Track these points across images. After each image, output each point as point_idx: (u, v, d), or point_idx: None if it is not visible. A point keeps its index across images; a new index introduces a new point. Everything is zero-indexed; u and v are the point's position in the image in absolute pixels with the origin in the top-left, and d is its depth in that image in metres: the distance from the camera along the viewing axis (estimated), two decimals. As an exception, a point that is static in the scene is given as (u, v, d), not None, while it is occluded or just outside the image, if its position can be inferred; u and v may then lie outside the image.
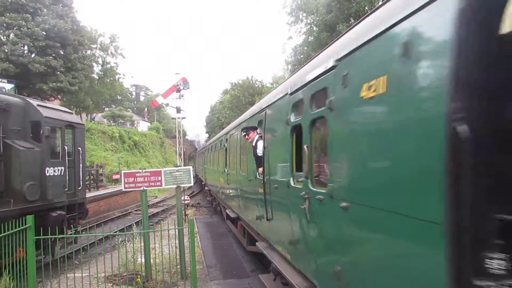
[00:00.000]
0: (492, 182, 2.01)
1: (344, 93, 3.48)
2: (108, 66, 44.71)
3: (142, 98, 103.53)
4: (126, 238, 9.94)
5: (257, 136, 7.61)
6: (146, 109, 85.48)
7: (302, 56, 29.52)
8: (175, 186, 9.25)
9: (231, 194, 12.15)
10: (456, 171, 2.03)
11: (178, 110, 20.32)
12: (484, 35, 2.03)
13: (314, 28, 27.47)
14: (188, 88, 21.47)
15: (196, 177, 40.08)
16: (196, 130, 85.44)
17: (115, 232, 8.54)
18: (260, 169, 6.93)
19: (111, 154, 36.20)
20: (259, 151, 7.26)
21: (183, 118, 21.48)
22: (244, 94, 56.02)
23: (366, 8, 21.51)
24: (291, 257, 5.39)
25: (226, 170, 12.84)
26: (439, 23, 2.20)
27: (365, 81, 3.03)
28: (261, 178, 6.74)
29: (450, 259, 2.05)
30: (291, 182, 5.05)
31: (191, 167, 9.86)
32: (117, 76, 48.04)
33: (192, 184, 9.84)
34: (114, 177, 25.62)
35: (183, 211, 14.48)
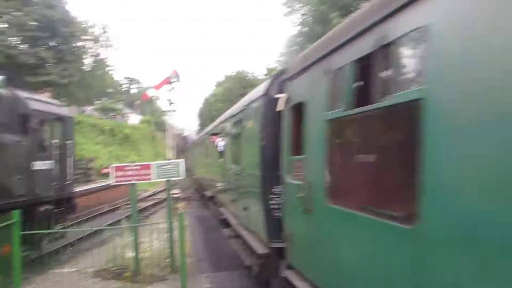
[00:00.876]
0: (272, 165, 5.91)
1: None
2: (99, 58, 44.11)
3: (133, 91, 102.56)
4: (115, 233, 9.86)
5: (219, 138, 12.28)
6: (138, 102, 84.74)
7: (296, 48, 29.39)
8: (166, 179, 9.17)
9: (209, 179, 16.30)
10: (264, 163, 6.20)
11: (170, 102, 20.27)
12: (273, 110, 5.81)
13: (310, 19, 27.34)
14: (179, 80, 21.37)
15: (188, 171, 39.93)
16: (188, 125, 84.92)
17: (104, 226, 8.47)
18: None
19: (102, 148, 35.88)
20: (220, 148, 11.99)
21: (173, 111, 21.45)
22: (236, 87, 55.86)
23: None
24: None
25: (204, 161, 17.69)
26: (259, 106, 6.68)
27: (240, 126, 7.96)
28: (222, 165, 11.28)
29: (262, 184, 6.20)
30: (233, 166, 9.23)
31: (182, 160, 9.75)
32: (107, 69, 47.50)
33: (183, 177, 9.75)
34: (104, 171, 25.39)
35: (174, 205, 14.43)
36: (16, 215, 6.73)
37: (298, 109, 4.90)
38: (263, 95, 6.47)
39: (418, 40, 2.59)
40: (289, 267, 5.19)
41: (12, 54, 30.95)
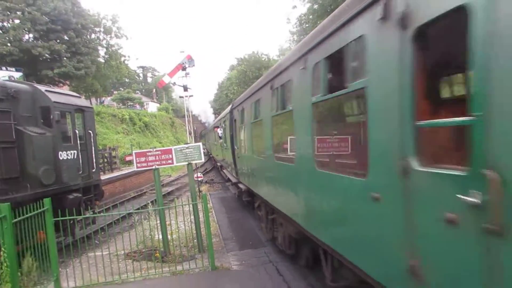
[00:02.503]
0: (233, 143, 14.73)
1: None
2: (113, 49, 44.47)
3: (149, 80, 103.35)
4: (143, 216, 10.14)
5: (219, 129, 20.13)
6: (154, 90, 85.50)
7: (307, 25, 28.83)
8: (187, 163, 9.32)
9: (216, 155, 27.82)
10: (231, 142, 14.72)
11: (185, 88, 20.31)
12: (232, 120, 14.21)
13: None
14: (194, 65, 21.36)
15: (208, 154, 40.39)
16: (204, 109, 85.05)
17: (131, 211, 8.71)
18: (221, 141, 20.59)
19: (123, 137, 36.53)
20: (219, 134, 20.57)
21: (190, 96, 21.52)
22: (250, 69, 55.56)
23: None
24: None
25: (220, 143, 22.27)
26: (227, 117, 16.06)
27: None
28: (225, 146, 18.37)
29: (232, 151, 14.64)
30: (224, 144, 18.53)
31: (200, 143, 9.88)
32: (122, 59, 47.87)
33: (203, 160, 9.90)
34: (127, 158, 25.89)
35: (197, 188, 14.70)
36: (48, 202, 7.00)
37: (235, 122, 13.61)
38: (229, 112, 15.27)
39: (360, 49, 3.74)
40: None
41: (26, 47, 31.50)
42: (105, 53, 43.85)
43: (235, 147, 13.78)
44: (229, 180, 17.52)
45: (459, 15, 2.36)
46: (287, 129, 6.39)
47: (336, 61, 4.30)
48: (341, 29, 4.03)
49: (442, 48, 3.13)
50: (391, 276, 3.39)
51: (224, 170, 20.96)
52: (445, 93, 4.49)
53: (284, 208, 6.91)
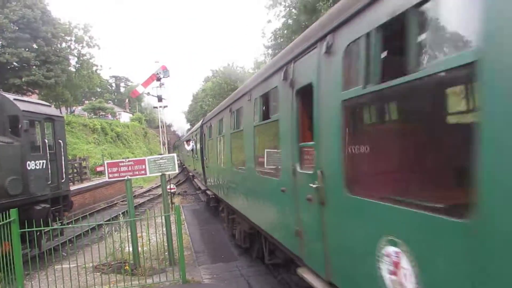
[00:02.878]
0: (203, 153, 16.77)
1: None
2: (85, 58, 43.72)
3: (122, 90, 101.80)
4: (113, 228, 9.95)
5: (191, 141, 22.30)
6: (127, 100, 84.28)
7: (282, 40, 29.36)
8: (160, 174, 9.28)
9: (188, 166, 30.25)
10: (201, 153, 17.00)
11: (160, 98, 20.14)
12: (203, 134, 16.00)
13: (294, 10, 27.31)
14: (168, 76, 21.20)
15: (181, 165, 40.00)
16: (178, 121, 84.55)
17: (101, 222, 8.56)
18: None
19: (94, 147, 35.75)
20: (189, 147, 22.77)
21: (165, 106, 21.33)
22: (226, 81, 55.72)
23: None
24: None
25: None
26: (198, 131, 18.44)
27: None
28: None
29: (201, 159, 16.77)
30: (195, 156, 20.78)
31: (175, 154, 9.87)
32: (94, 68, 47.12)
33: (177, 171, 9.89)
34: (98, 169, 25.34)
35: (170, 200, 14.55)
36: (14, 213, 6.81)
37: (204, 136, 15.67)
38: (199, 127, 17.30)
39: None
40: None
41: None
42: (77, 62, 43.07)
43: (204, 158, 15.80)
44: (200, 188, 19.54)
45: (310, 87, 4.19)
46: (239, 144, 8.16)
47: (265, 99, 6.35)
48: (267, 79, 5.97)
49: (309, 102, 4.39)
50: (288, 238, 5.28)
51: (195, 180, 22.99)
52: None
53: (238, 207, 8.89)
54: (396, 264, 2.72)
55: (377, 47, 2.98)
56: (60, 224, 10.67)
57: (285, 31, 29.43)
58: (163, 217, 8.88)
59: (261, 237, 7.72)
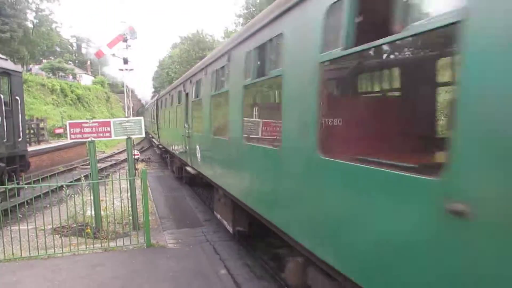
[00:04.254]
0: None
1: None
2: (43, 13, 40.93)
3: (84, 51, 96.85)
4: (74, 191, 9.57)
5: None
6: (89, 62, 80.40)
7: (254, 9, 28.76)
8: (125, 137, 8.95)
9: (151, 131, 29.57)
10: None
11: (126, 61, 19.26)
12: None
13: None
14: (136, 38, 20.34)
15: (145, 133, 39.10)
16: (142, 88, 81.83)
17: (62, 183, 8.18)
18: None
19: (53, 108, 34.09)
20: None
21: (130, 69, 20.46)
22: (194, 49, 54.29)
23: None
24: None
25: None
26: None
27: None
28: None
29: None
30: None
31: (142, 118, 9.54)
32: (53, 25, 44.32)
33: (143, 135, 9.56)
34: (57, 131, 24.25)
35: (134, 166, 14.18)
36: (-34, 169, 6.35)
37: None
38: (155, 101, 21.97)
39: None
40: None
41: None
42: (34, 18, 40.27)
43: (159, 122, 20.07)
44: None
45: None
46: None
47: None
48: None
49: None
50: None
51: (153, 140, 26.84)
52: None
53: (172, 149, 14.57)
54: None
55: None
56: (16, 184, 10.12)
57: (258, 0, 28.81)
58: (128, 181, 8.62)
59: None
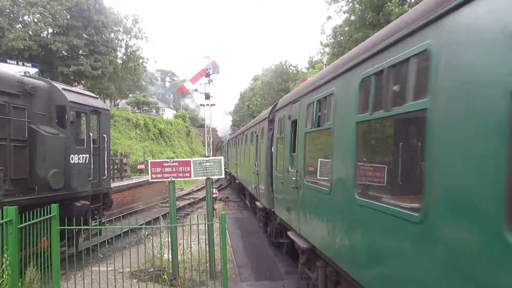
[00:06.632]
0: None
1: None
2: (132, 49, 45.34)
3: (167, 84, 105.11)
4: (152, 232, 10.08)
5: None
6: (172, 96, 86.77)
7: (342, 38, 28.74)
8: (205, 178, 9.27)
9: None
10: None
11: (208, 96, 20.40)
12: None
13: (357, 6, 26.62)
14: (218, 72, 21.47)
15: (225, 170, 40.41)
16: (221, 122, 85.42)
17: (141, 225, 8.66)
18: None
19: (136, 143, 36.99)
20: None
21: (212, 105, 21.57)
22: (277, 80, 55.70)
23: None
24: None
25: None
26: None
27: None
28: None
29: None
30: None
31: (222, 158, 9.84)
32: (140, 61, 48.80)
33: (223, 175, 9.84)
34: (139, 166, 26.12)
35: (212, 206, 14.60)
36: (55, 209, 7.02)
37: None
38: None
39: None
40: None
41: (45, 42, 32.46)
42: (124, 54, 44.80)
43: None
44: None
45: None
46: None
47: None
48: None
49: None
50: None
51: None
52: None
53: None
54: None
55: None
56: (98, 223, 10.99)
57: (346, 28, 28.79)
58: (207, 226, 8.83)
59: None
